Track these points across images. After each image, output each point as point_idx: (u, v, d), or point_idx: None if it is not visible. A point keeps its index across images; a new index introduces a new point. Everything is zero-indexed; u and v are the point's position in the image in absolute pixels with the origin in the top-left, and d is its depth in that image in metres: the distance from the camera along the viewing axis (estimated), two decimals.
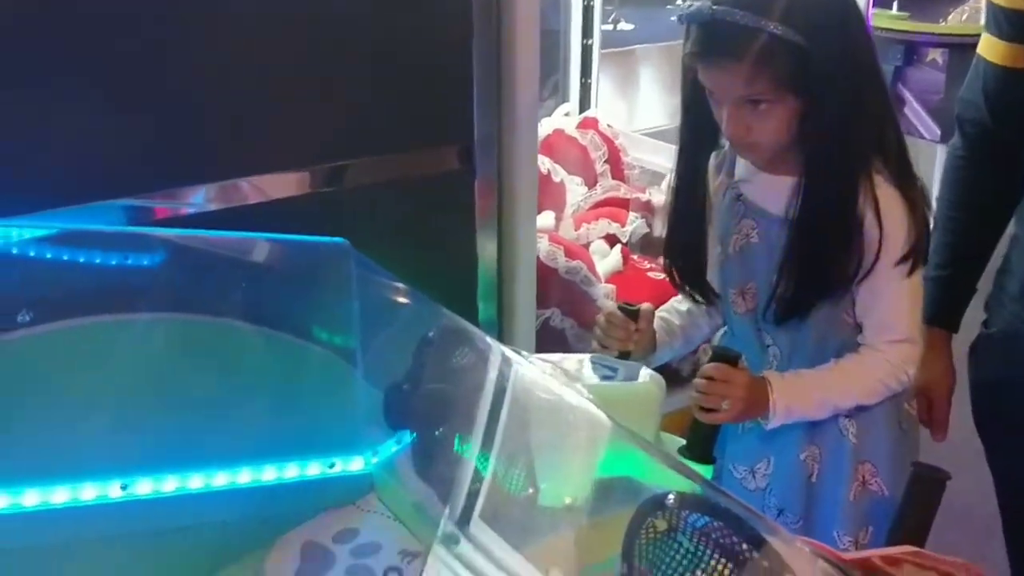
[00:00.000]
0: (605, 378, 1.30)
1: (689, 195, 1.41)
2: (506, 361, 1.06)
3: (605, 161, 2.47)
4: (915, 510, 1.15)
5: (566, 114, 2.67)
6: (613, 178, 2.45)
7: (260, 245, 1.30)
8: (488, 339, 1.14)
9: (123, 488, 1.22)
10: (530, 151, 1.60)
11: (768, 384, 1.34)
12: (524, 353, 1.29)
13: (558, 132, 2.44)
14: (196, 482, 1.27)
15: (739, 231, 1.42)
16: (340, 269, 1.31)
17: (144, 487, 1.23)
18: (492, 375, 1.06)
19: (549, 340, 1.86)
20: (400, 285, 1.24)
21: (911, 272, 1.34)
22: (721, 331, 1.60)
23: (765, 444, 1.49)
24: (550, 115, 2.63)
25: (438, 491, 1.26)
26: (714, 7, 1.24)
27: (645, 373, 1.33)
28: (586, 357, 1.35)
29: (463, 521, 1.14)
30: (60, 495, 1.18)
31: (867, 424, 1.43)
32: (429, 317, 1.19)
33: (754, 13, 1.22)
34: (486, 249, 1.62)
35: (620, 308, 1.43)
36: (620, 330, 1.41)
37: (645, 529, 0.93)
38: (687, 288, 1.47)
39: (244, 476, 1.31)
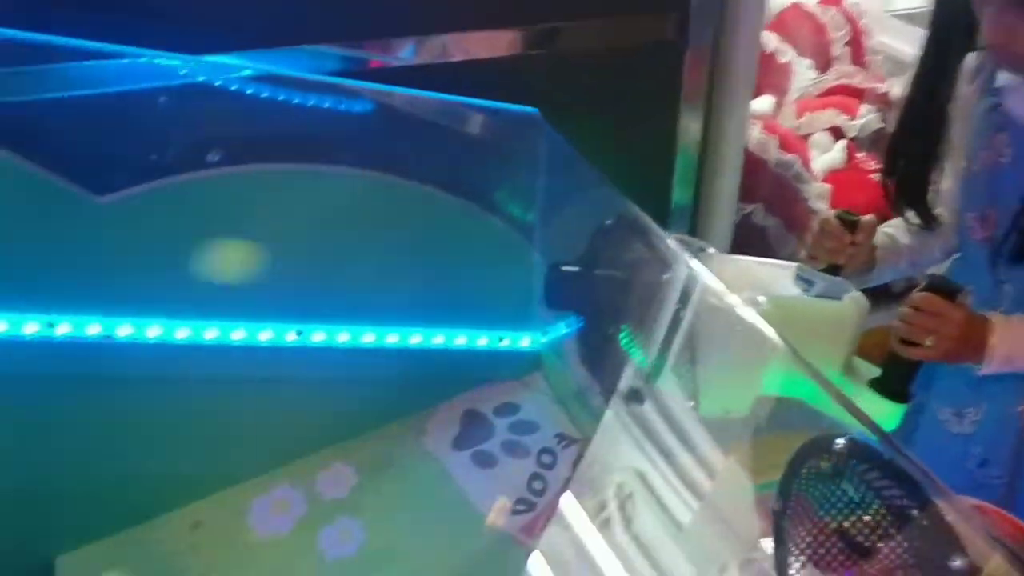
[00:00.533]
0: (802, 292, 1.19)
1: (929, 96, 1.23)
2: (683, 264, 0.98)
3: (845, 43, 2.23)
4: None
5: None
6: (852, 63, 2.21)
7: (452, 107, 1.25)
8: (669, 239, 1.05)
9: (298, 334, 1.26)
10: (754, 25, 1.45)
11: (990, 326, 1.18)
12: (711, 249, 1.20)
13: (795, 6, 2.22)
14: (368, 338, 1.29)
15: (991, 146, 1.23)
16: (529, 141, 1.25)
17: (318, 336, 1.27)
18: (664, 278, 0.98)
19: (748, 238, 1.73)
20: (588, 166, 1.16)
21: None
22: (952, 258, 1.42)
23: (976, 389, 1.33)
24: None
25: (599, 382, 1.22)
26: None
27: (849, 293, 1.21)
28: (792, 266, 1.24)
29: None
30: (238, 334, 1.23)
31: None
32: (611, 204, 1.12)
33: None
34: (689, 130, 1.50)
35: (838, 216, 1.28)
36: (833, 240, 1.27)
37: (807, 468, 0.85)
38: (902, 205, 1.30)
39: (415, 338, 1.32)
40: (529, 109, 1.23)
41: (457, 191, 1.27)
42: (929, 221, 1.30)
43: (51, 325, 1.14)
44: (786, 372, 1.09)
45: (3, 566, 1.25)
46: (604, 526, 1.02)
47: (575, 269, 1.20)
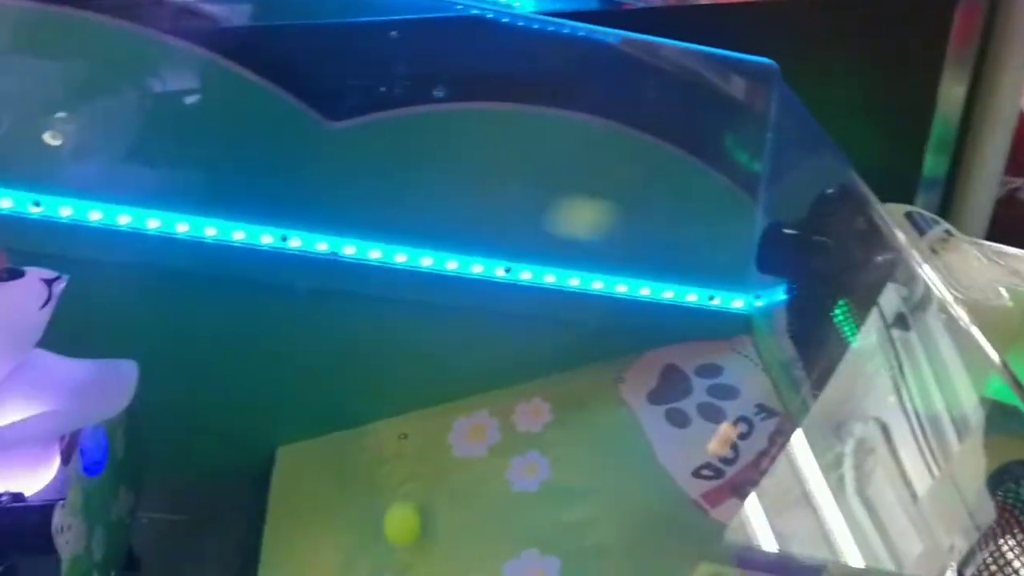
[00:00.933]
0: None
1: None
2: (902, 248, 0.90)
3: None
4: None
5: None
6: None
7: (687, 55, 1.21)
8: (898, 214, 0.97)
9: (507, 271, 1.28)
10: None
11: None
12: (954, 232, 1.10)
13: None
14: (574, 281, 1.30)
15: None
16: (761, 95, 1.18)
17: (525, 275, 1.29)
18: (879, 259, 0.91)
19: (1011, 217, 1.55)
20: (818, 128, 1.09)
21: None
22: None
23: None
24: None
25: (804, 357, 1.16)
26: None
27: None
28: None
29: None
30: (452, 264, 1.27)
31: None
32: (837, 172, 1.04)
33: None
34: (952, 91, 1.36)
35: None
36: None
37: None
38: None
39: (621, 287, 1.31)
40: (767, 61, 1.17)
41: (681, 143, 1.23)
42: None
43: (284, 239, 1.24)
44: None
45: (234, 449, 1.40)
46: (838, 486, 0.96)
47: (793, 232, 1.14)
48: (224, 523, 1.37)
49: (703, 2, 1.37)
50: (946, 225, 1.12)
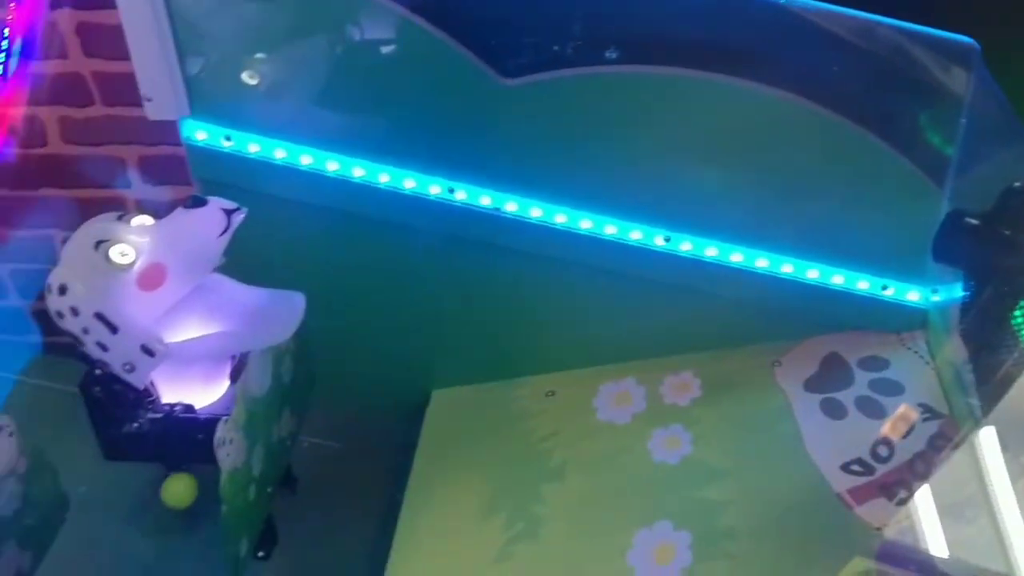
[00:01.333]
0: None
1: None
2: None
3: None
4: None
5: None
6: None
7: (882, 30, 1.14)
8: None
9: (666, 240, 1.26)
10: None
11: None
12: None
13: None
14: (736, 257, 1.26)
15: None
16: (959, 76, 1.10)
17: (685, 246, 1.26)
18: None
19: None
20: (1014, 117, 1.00)
21: None
22: None
23: None
24: None
25: (975, 359, 1.08)
26: None
27: None
28: None
29: None
30: (610, 228, 1.27)
31: None
32: None
33: None
34: None
35: None
36: None
37: None
38: None
39: (786, 267, 1.26)
40: (967, 40, 1.08)
41: (865, 121, 1.16)
42: None
43: (451, 191, 1.27)
44: None
45: (393, 387, 1.47)
46: None
47: (976, 222, 1.06)
48: (377, 454, 1.45)
49: None
50: None
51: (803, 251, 1.25)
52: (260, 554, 1.27)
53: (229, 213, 1.08)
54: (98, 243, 1.06)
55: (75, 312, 1.06)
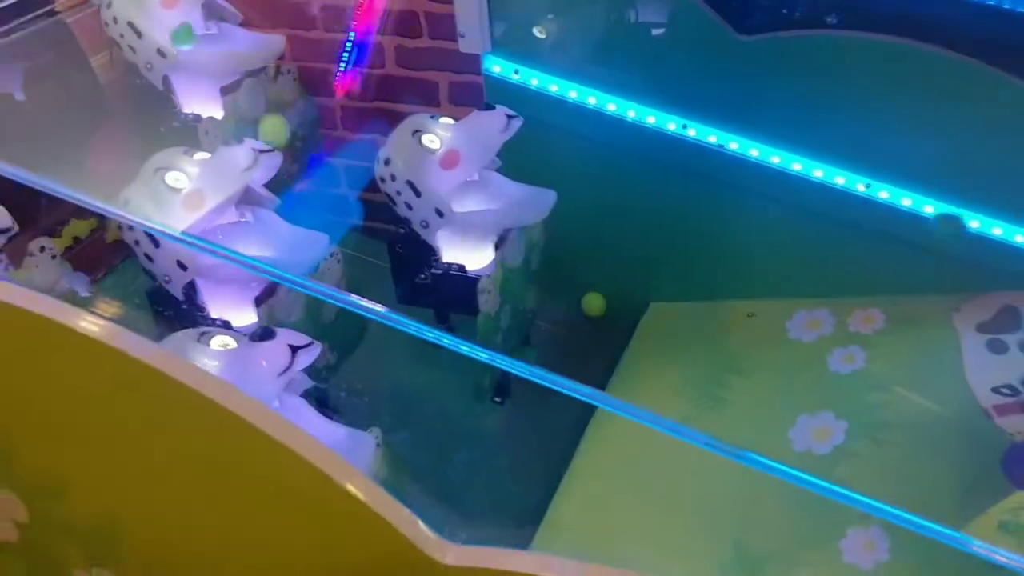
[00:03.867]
0: None
1: None
2: None
3: None
4: None
5: None
6: None
7: None
8: None
9: (866, 187, 1.47)
10: None
11: None
12: None
13: None
14: (928, 208, 1.45)
15: None
16: None
17: (883, 194, 1.47)
18: None
19: None
20: None
21: None
22: None
23: None
24: None
25: None
26: None
27: None
28: None
29: None
30: (817, 172, 1.49)
31: None
32: None
33: None
34: None
35: None
36: None
37: None
38: None
39: (974, 223, 1.43)
40: None
41: None
42: None
43: (685, 127, 1.55)
44: None
45: (618, 295, 1.76)
46: None
47: None
48: (600, 344, 1.73)
49: None
50: None
51: (989, 208, 1.42)
52: (496, 399, 1.61)
53: (510, 118, 1.42)
54: (414, 132, 1.44)
55: (393, 178, 1.44)
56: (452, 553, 0.65)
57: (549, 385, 0.86)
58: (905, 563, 1.17)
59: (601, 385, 1.59)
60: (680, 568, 1.25)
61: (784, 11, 1.40)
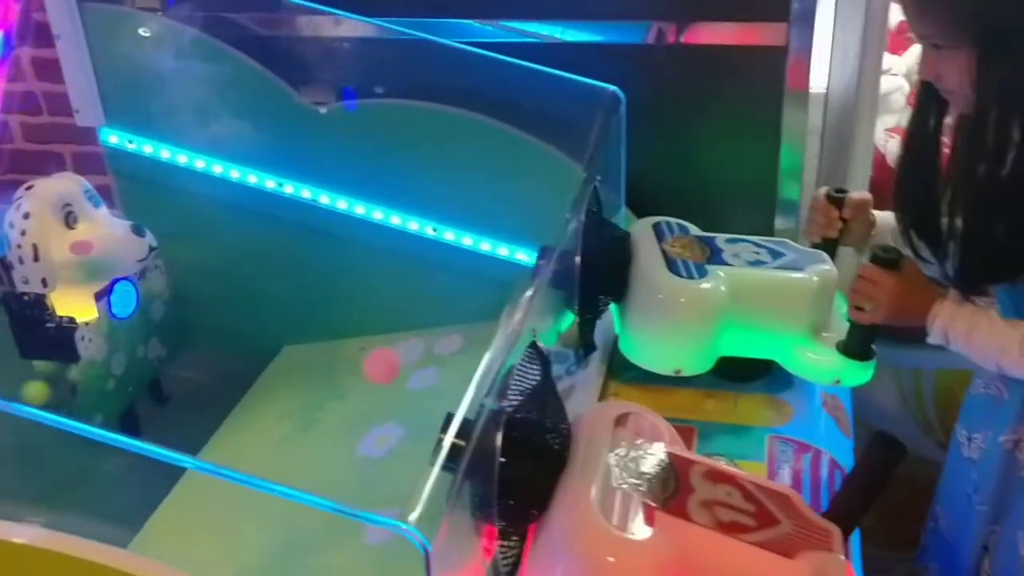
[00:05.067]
0: (757, 263, 1.35)
1: (919, 149, 1.27)
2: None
3: None
4: (865, 478, 1.02)
5: None
6: None
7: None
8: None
9: (434, 230, 1.72)
10: None
11: (934, 297, 1.22)
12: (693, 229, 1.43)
13: None
14: (467, 240, 1.71)
15: None
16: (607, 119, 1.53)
17: (449, 235, 1.72)
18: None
19: None
20: None
21: None
22: None
23: (988, 414, 1.34)
24: None
25: None
26: None
27: (816, 266, 1.35)
28: (768, 241, 1.42)
29: None
30: (395, 219, 1.74)
31: None
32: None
33: None
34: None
35: (827, 193, 1.38)
36: (820, 216, 1.37)
37: None
38: (914, 240, 1.29)
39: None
40: (612, 88, 1.52)
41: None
42: (939, 254, 1.27)
43: (281, 185, 1.76)
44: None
45: (246, 342, 1.92)
46: None
47: None
48: (237, 389, 1.89)
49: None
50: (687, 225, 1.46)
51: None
52: None
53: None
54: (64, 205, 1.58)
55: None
56: None
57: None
58: None
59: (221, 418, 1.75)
60: None
61: (342, 85, 1.65)
